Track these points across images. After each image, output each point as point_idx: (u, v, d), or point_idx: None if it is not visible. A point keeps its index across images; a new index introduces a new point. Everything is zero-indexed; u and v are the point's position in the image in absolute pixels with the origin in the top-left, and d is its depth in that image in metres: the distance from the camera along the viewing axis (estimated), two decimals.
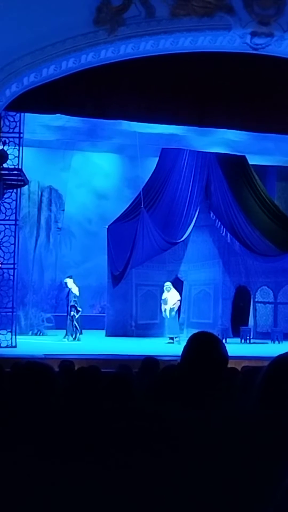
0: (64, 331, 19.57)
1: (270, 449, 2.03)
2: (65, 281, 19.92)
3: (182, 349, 3.08)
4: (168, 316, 19.76)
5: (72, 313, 19.33)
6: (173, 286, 20.31)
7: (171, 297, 19.90)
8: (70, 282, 19.71)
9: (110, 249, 20.57)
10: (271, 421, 2.15)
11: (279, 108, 15.88)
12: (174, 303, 19.82)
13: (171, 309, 19.74)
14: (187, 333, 18.75)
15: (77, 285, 19.81)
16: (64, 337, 19.19)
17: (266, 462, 2.01)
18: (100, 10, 14.14)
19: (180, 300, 20.21)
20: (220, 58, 15.26)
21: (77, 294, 19.64)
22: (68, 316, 19.39)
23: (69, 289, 19.64)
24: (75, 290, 19.60)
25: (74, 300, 19.52)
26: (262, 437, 2.05)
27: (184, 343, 3.11)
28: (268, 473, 2.00)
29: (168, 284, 20.16)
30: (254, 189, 21.60)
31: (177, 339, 19.13)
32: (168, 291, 19.96)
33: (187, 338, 3.15)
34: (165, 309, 19.86)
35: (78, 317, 19.46)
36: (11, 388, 4.31)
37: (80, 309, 19.55)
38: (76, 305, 19.47)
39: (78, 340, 19.15)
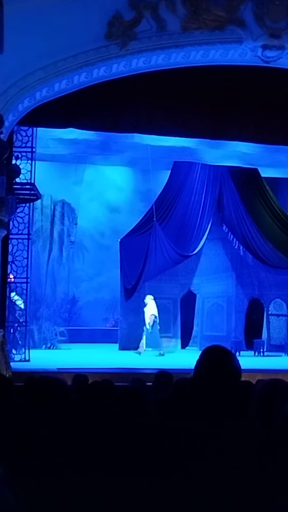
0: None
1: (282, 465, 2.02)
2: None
3: (193, 362, 3.08)
4: (150, 330, 19.44)
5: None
6: (184, 300, 20.15)
7: (146, 312, 19.63)
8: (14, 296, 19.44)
9: (123, 262, 20.55)
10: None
11: None
12: (149, 320, 19.49)
13: (148, 324, 19.48)
14: (201, 346, 18.71)
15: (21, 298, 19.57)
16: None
17: (277, 477, 2.00)
18: (111, 24, 14.23)
19: (155, 315, 19.63)
20: (232, 71, 15.30)
21: (22, 307, 19.38)
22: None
23: (14, 302, 19.33)
24: (19, 302, 19.37)
25: (19, 313, 19.27)
26: (275, 453, 2.04)
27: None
28: (278, 487, 1.99)
29: (147, 297, 19.89)
30: (267, 202, 21.55)
31: (161, 352, 18.95)
32: (145, 305, 19.71)
33: (200, 352, 3.15)
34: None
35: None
36: (24, 402, 4.30)
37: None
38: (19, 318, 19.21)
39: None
